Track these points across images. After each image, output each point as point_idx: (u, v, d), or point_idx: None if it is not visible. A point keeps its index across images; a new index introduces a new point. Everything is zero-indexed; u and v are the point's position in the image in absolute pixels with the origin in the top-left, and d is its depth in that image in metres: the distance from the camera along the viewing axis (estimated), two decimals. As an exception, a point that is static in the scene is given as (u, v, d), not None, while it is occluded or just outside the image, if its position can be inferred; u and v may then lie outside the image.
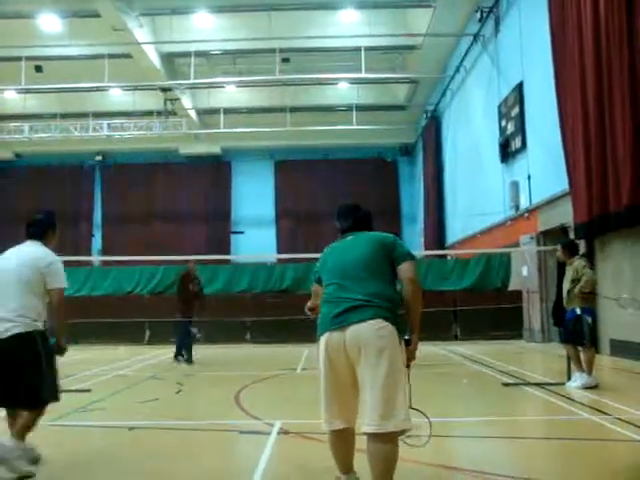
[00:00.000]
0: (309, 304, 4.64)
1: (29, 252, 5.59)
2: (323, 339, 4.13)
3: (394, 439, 3.92)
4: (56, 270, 5.48)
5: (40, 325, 5.33)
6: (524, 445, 6.21)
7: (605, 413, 7.22)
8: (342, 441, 4.19)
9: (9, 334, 5.13)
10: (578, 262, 9.24)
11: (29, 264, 5.42)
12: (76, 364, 13.37)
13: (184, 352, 14.05)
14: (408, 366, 4.13)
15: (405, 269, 4.19)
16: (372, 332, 3.94)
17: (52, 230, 5.93)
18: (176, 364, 13.78)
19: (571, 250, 9.56)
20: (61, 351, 5.55)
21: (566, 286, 9.27)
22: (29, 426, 5.22)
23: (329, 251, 4.50)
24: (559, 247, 9.67)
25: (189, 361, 13.88)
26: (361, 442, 4.18)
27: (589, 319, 9.14)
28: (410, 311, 4.18)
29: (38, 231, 5.84)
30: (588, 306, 9.25)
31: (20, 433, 5.16)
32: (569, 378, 9.37)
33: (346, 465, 4.23)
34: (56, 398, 5.44)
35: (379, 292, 4.08)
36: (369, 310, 4.00)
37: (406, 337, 4.11)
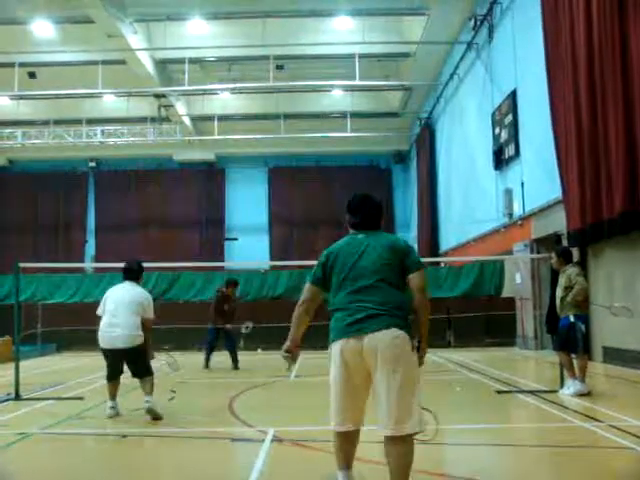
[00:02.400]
0: (290, 346, 4.55)
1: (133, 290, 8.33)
2: (338, 345, 4.21)
3: (410, 440, 4.11)
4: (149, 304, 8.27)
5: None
6: (517, 452, 6.21)
7: (598, 420, 7.22)
8: (350, 441, 4.32)
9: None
10: (571, 270, 9.25)
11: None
12: (69, 371, 13.34)
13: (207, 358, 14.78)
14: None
15: (416, 279, 4.33)
16: (389, 341, 4.09)
17: (142, 275, 8.67)
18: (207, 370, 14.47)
19: (565, 258, 9.57)
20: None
21: (559, 294, 9.28)
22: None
23: (339, 250, 4.44)
24: (553, 255, 9.66)
25: (207, 364, 14.64)
26: (362, 451, 4.17)
27: (582, 327, 9.15)
28: (419, 319, 4.37)
29: (135, 275, 8.52)
30: (581, 313, 9.26)
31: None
32: (562, 385, 9.38)
33: (348, 461, 4.35)
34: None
35: (393, 301, 4.21)
36: (385, 319, 4.14)
37: (416, 343, 4.31)
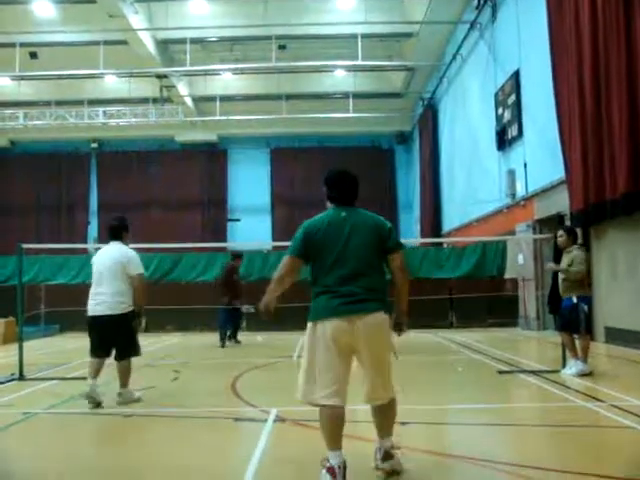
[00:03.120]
0: (268, 300, 4.81)
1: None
2: (329, 323, 4.41)
3: (393, 401, 4.65)
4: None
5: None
6: (519, 432, 6.23)
7: (600, 400, 7.25)
8: (338, 418, 4.43)
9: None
10: (576, 253, 9.19)
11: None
12: (72, 352, 13.39)
13: (228, 336, 15.31)
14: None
15: (397, 259, 4.64)
16: (375, 324, 4.44)
17: (125, 231, 7.98)
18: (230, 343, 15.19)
19: (573, 236, 9.54)
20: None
21: (562, 274, 9.28)
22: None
23: (324, 228, 4.59)
24: (562, 232, 9.55)
25: (223, 344, 14.98)
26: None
27: (585, 307, 9.15)
28: (400, 297, 4.71)
29: (116, 233, 7.91)
30: (584, 294, 9.26)
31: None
32: (564, 366, 9.40)
33: (338, 441, 4.43)
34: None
35: (379, 288, 4.53)
36: (373, 304, 4.45)
37: (398, 321, 4.72)
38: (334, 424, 4.42)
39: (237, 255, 16.33)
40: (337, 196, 4.73)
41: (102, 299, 7.46)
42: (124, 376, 7.59)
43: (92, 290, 7.63)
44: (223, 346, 14.87)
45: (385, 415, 4.67)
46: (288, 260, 4.67)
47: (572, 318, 9.09)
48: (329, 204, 4.78)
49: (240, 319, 16.28)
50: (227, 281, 15.46)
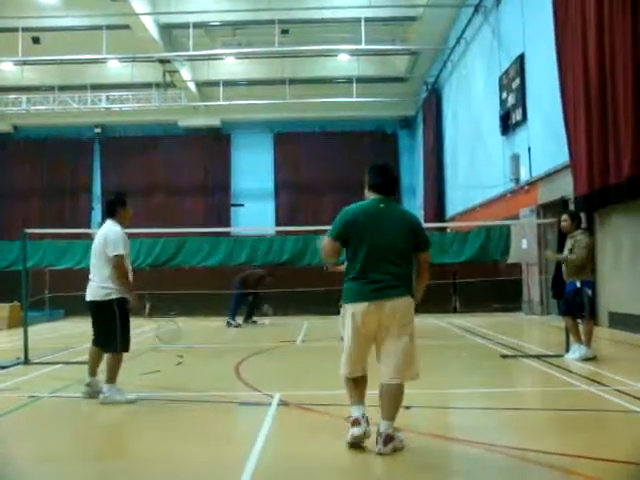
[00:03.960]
0: (331, 265, 5.94)
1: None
2: (360, 306, 4.86)
3: (402, 386, 4.89)
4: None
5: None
6: (523, 416, 6.26)
7: (603, 384, 7.27)
8: (360, 384, 5.00)
9: None
10: (580, 237, 9.17)
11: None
12: (76, 337, 13.43)
13: (244, 316, 16.92)
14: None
15: (424, 256, 5.14)
16: (403, 308, 4.88)
17: (121, 207, 7.25)
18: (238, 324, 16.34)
19: (578, 221, 9.53)
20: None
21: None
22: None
23: (363, 214, 4.98)
24: (567, 217, 9.52)
25: (233, 322, 16.36)
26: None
27: (589, 292, 9.15)
28: (419, 288, 5.13)
29: (110, 209, 7.27)
30: (588, 279, 9.26)
31: None
32: (568, 350, 9.41)
33: (361, 397, 5.00)
34: None
35: (405, 274, 4.95)
36: (400, 289, 4.88)
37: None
38: (355, 385, 4.97)
39: (269, 274, 17.27)
40: (380, 183, 5.09)
41: (90, 283, 6.97)
42: (109, 370, 6.82)
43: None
44: (237, 325, 16.23)
45: (397, 397, 4.86)
46: (328, 241, 5.05)
47: (575, 302, 9.10)
48: (369, 193, 5.13)
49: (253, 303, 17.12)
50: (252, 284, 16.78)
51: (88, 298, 6.92)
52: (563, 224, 9.49)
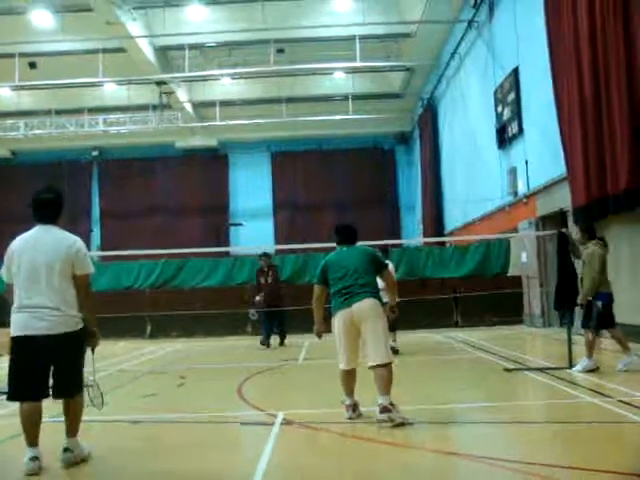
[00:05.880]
0: (318, 328, 6.98)
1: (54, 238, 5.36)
2: (340, 314, 6.52)
3: (389, 365, 6.37)
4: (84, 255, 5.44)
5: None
6: (527, 429, 6.22)
7: (607, 396, 7.24)
8: (352, 376, 6.60)
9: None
10: (592, 249, 9.18)
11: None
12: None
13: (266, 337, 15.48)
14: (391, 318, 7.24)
15: (384, 274, 6.98)
16: (368, 306, 6.47)
17: (62, 210, 5.58)
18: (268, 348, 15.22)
19: (590, 233, 9.54)
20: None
21: (581, 270, 9.30)
22: None
23: (333, 258, 6.87)
24: (578, 230, 9.71)
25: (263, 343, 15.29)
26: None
27: (599, 304, 9.11)
28: (391, 293, 7.36)
29: (53, 213, 5.49)
30: (601, 290, 9.22)
31: None
32: (571, 362, 9.37)
33: (352, 390, 6.60)
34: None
35: (368, 283, 6.61)
36: (365, 294, 6.51)
37: (392, 307, 7.22)
38: (348, 380, 6.57)
39: (260, 255, 16.53)
40: (344, 239, 6.97)
41: (44, 311, 5.13)
42: (78, 418, 5.41)
43: (18, 302, 5.22)
44: (268, 346, 15.20)
45: (383, 376, 6.26)
46: (315, 288, 6.92)
47: (588, 314, 9.14)
48: (337, 246, 6.99)
49: (274, 320, 15.72)
50: (255, 286, 16.26)
51: (53, 331, 5.11)
52: (577, 237, 9.72)
